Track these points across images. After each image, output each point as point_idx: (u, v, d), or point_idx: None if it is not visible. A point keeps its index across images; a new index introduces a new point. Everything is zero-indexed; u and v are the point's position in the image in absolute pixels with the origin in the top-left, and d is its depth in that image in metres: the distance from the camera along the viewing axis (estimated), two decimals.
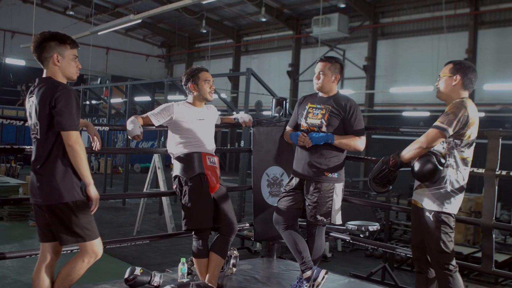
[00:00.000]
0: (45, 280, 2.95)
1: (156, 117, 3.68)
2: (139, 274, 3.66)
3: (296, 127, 3.81)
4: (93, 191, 2.93)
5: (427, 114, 16.58)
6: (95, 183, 2.98)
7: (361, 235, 4.46)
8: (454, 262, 3.11)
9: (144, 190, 9.81)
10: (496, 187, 3.45)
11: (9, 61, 23.50)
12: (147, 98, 19.05)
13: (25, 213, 9.93)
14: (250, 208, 5.05)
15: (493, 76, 15.60)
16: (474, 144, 3.13)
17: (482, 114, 14.83)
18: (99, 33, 16.71)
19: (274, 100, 4.87)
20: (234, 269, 4.13)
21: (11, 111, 21.75)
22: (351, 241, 4.57)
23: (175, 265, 4.02)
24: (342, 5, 18.33)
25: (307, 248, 3.67)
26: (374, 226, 4.35)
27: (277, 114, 4.71)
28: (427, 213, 3.12)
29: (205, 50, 25.84)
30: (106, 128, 4.43)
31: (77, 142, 2.78)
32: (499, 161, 3.44)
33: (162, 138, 13.03)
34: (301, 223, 4.10)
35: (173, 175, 3.72)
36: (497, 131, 3.45)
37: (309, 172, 3.61)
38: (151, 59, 29.79)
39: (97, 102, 20.63)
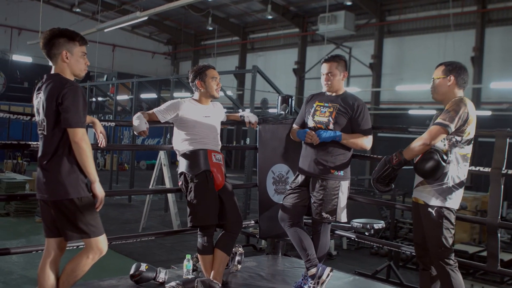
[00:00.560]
0: (50, 276, 2.96)
1: (162, 114, 3.68)
2: (145, 270, 3.68)
3: (303, 125, 3.80)
4: (98, 189, 2.93)
5: (434, 112, 16.35)
6: (101, 180, 2.98)
7: (366, 233, 4.46)
8: (453, 257, 3.17)
9: (150, 187, 9.83)
10: (502, 186, 3.46)
11: (16, 58, 23.60)
12: (153, 95, 19.11)
13: (31, 209, 9.99)
14: (256, 206, 5.05)
15: (500, 75, 15.48)
16: (472, 141, 3.19)
17: (489, 113, 14.74)
18: (105, 30, 16.72)
19: (280, 98, 4.87)
20: (239, 266, 4.13)
21: (18, 107, 21.81)
22: (356, 239, 4.57)
23: (181, 261, 4.03)
24: (349, 3, 18.28)
25: (312, 246, 3.67)
26: (380, 224, 4.36)
27: (283, 112, 4.71)
28: (429, 209, 3.17)
29: (211, 48, 25.82)
30: (112, 124, 4.45)
31: (83, 139, 2.78)
32: (505, 160, 3.46)
33: (168, 135, 13.06)
34: (306, 220, 4.09)
35: (178, 172, 3.73)
36: (505, 131, 3.50)
37: (315, 170, 3.60)
38: (157, 56, 29.81)
39: (103, 99, 20.71)
